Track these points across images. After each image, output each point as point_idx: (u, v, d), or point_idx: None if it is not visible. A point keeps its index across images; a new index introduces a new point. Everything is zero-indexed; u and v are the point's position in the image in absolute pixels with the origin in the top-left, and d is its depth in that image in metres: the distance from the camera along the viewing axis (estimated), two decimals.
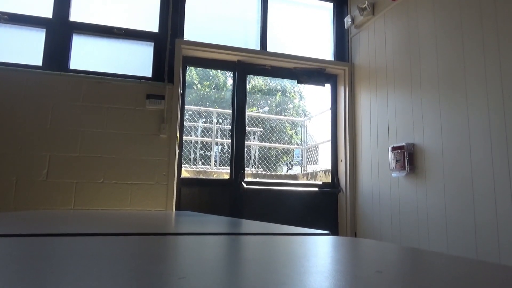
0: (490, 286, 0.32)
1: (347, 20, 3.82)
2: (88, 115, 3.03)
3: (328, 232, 0.80)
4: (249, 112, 8.62)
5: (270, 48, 3.69)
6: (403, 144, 2.94)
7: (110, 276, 0.33)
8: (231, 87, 3.71)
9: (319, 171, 5.73)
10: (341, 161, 3.77)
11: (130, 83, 3.15)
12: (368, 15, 3.51)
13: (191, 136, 7.20)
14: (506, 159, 2.17)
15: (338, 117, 3.87)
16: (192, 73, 9.93)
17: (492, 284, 0.34)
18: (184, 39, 3.41)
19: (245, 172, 3.54)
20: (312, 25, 3.99)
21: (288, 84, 10.91)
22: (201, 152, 7.41)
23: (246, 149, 3.61)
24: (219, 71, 9.67)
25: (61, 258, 0.43)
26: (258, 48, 3.66)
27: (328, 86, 3.93)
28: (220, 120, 7.57)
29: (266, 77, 9.12)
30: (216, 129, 7.23)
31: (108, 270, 0.36)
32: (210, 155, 7.26)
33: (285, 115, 10.98)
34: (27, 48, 3.09)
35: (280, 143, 8.63)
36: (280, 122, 9.24)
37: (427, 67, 2.83)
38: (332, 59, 3.91)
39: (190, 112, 7.37)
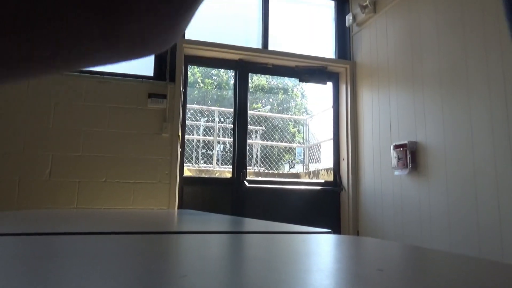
0: (492, 285, 0.32)
1: (349, 18, 3.81)
2: (90, 114, 3.03)
3: (330, 230, 0.81)
4: (253, 111, 8.62)
5: (271, 46, 3.69)
6: (405, 142, 2.93)
7: (113, 275, 0.34)
8: (233, 85, 3.71)
9: (321, 170, 5.73)
10: (343, 159, 3.76)
11: (131, 82, 3.15)
12: (370, 13, 3.50)
13: (193, 135, 7.20)
14: (509, 156, 2.16)
15: (340, 115, 3.87)
16: (195, 71, 9.93)
17: (494, 282, 0.34)
18: (186, 38, 3.40)
19: (247, 170, 3.54)
20: (313, 23, 3.98)
21: (290, 82, 10.90)
22: (203, 151, 7.41)
23: (248, 147, 3.61)
24: (221, 69, 9.65)
25: (64, 256, 0.43)
26: (260, 46, 3.66)
27: (329, 84, 3.93)
28: (222, 119, 7.56)
29: (268, 76, 9.12)
30: (218, 128, 7.23)
31: (110, 269, 0.36)
32: (212, 154, 7.26)
33: (287, 114, 10.97)
34: None
35: (282, 142, 8.63)
36: (282, 121, 9.24)
37: (429, 65, 2.82)
38: (334, 57, 3.90)
39: (192, 111, 7.38)
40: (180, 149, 3.24)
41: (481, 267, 0.40)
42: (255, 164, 7.35)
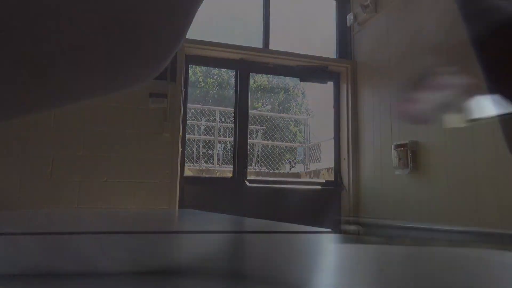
0: (493, 283, 0.32)
1: (350, 17, 3.81)
2: (91, 114, 3.04)
3: (330, 230, 0.80)
4: (253, 111, 8.61)
5: (272, 46, 3.69)
6: (406, 142, 2.93)
7: (113, 274, 0.34)
8: (234, 85, 3.71)
9: (322, 169, 5.72)
10: (344, 159, 3.76)
11: None
12: (371, 12, 3.50)
13: (193, 134, 7.19)
14: (510, 155, 2.15)
15: (341, 114, 3.86)
16: (196, 70, 9.92)
17: (495, 280, 0.33)
18: (187, 37, 3.40)
19: (248, 170, 3.54)
20: (314, 23, 3.98)
21: (291, 82, 10.89)
22: (204, 150, 7.41)
23: (248, 147, 3.61)
24: (222, 69, 9.63)
25: (64, 256, 0.43)
26: (261, 46, 3.66)
27: (330, 84, 3.92)
28: (223, 119, 7.56)
29: (269, 75, 9.11)
30: (219, 128, 7.22)
31: (111, 268, 0.36)
32: (213, 154, 7.26)
33: (287, 113, 10.96)
34: None
35: (283, 141, 8.62)
36: (283, 120, 9.23)
37: (430, 64, 2.82)
38: (335, 57, 3.90)
39: (193, 111, 7.37)
40: (180, 149, 3.24)
41: (482, 265, 0.40)
42: (255, 163, 7.35)
